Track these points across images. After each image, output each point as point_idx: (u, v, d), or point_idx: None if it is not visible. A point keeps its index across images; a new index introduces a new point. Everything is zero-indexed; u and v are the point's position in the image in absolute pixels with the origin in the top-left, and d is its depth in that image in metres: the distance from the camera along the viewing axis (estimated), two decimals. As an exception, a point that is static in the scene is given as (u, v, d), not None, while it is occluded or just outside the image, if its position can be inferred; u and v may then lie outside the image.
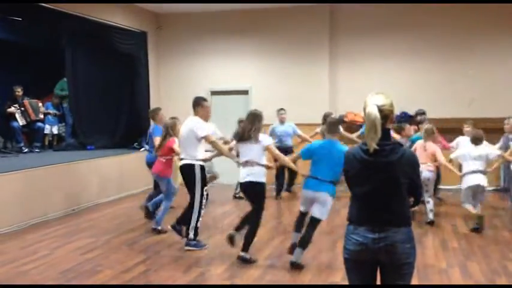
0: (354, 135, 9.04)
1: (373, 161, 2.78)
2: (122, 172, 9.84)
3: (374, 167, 2.78)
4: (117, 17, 9.89)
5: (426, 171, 6.98)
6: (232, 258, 5.61)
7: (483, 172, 6.80)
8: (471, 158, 6.82)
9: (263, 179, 5.55)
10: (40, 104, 10.31)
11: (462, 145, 8.03)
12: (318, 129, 9.35)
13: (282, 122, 9.36)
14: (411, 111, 9.32)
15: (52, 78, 10.94)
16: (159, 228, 6.80)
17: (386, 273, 2.84)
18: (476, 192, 6.83)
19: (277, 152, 5.80)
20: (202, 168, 5.97)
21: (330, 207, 5.23)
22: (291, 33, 10.67)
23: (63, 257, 5.75)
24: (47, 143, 10.74)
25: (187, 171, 5.96)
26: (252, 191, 5.59)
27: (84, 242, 6.39)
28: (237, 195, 9.01)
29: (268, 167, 5.63)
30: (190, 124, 5.98)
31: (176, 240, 6.40)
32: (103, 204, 8.86)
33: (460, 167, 7.32)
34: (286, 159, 5.80)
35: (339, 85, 10.61)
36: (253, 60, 10.96)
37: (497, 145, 7.89)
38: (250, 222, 5.60)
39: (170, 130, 6.66)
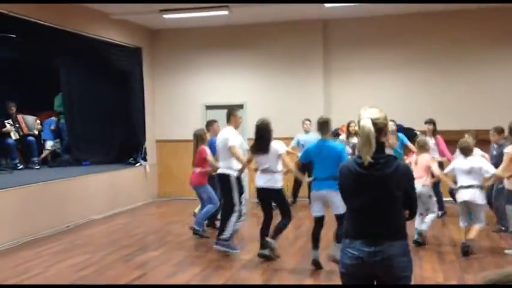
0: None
1: (367, 174, 2.77)
2: (117, 188, 9.79)
3: (369, 180, 2.78)
4: (111, 33, 9.92)
5: (420, 185, 6.31)
6: (229, 272, 5.57)
7: (478, 187, 6.17)
8: (463, 172, 6.23)
9: (280, 185, 5.97)
10: (38, 121, 10.28)
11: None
12: (341, 137, 9.48)
13: (306, 131, 9.56)
14: (406, 124, 9.38)
15: (47, 94, 10.92)
16: (200, 230, 7.04)
17: (383, 285, 2.82)
18: (469, 208, 6.29)
19: (287, 160, 6.12)
20: (237, 178, 6.29)
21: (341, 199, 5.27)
22: (285, 47, 10.73)
23: (58, 275, 5.69)
24: (49, 158, 10.73)
25: (223, 180, 6.33)
26: (272, 197, 6.00)
27: (79, 259, 6.32)
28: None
29: (285, 173, 6.10)
30: (224, 134, 6.39)
31: (172, 256, 6.36)
32: (98, 221, 8.80)
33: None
34: (292, 167, 6.13)
35: (333, 99, 10.65)
36: (247, 74, 11.00)
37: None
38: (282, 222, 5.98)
39: (200, 139, 7.09)
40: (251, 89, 10.92)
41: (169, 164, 11.30)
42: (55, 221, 7.97)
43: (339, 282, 2.93)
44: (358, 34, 10.44)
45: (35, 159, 9.81)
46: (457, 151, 7.52)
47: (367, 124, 2.75)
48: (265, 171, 5.92)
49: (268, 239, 5.90)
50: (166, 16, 9.62)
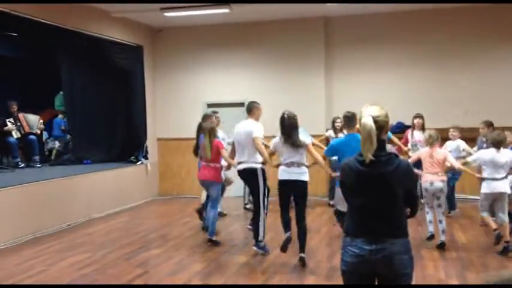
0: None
1: (369, 172, 2.77)
2: (119, 186, 9.80)
3: (370, 178, 2.78)
4: (113, 31, 9.92)
5: (438, 181, 6.40)
6: (230, 270, 5.57)
7: (506, 178, 6.18)
8: (496, 164, 6.11)
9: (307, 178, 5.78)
10: (41, 121, 10.29)
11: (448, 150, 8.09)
12: (327, 133, 9.40)
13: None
14: (407, 121, 9.36)
15: (48, 93, 10.93)
16: (214, 239, 6.76)
17: (384, 285, 2.82)
18: (497, 200, 6.21)
19: (314, 151, 5.91)
20: (263, 170, 6.10)
21: None
22: (286, 45, 10.71)
23: (59, 273, 5.69)
24: (53, 157, 10.76)
25: (249, 175, 6.09)
26: (299, 189, 5.75)
27: (80, 257, 6.33)
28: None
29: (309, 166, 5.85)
30: (247, 127, 6.12)
31: (173, 255, 6.36)
32: (99, 219, 8.80)
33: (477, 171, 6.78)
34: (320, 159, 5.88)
35: (334, 96, 10.63)
36: (249, 72, 10.99)
37: (475, 148, 7.97)
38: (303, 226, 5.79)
39: (212, 133, 6.67)
40: (252, 86, 10.90)
41: (171, 162, 11.31)
42: (56, 219, 7.97)
43: (339, 280, 2.94)
44: (359, 32, 10.42)
45: (36, 157, 9.82)
46: (445, 144, 7.64)
47: (369, 122, 2.74)
48: (291, 164, 5.70)
49: (301, 254, 5.75)
50: (167, 14, 9.62)
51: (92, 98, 10.60)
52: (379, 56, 10.37)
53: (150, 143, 11.10)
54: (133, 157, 10.71)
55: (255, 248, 6.18)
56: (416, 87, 10.22)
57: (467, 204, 8.89)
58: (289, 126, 5.74)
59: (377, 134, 2.74)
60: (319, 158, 5.86)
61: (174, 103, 11.30)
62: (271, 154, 6.01)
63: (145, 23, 10.98)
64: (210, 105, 11.07)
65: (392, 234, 2.76)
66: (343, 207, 5.22)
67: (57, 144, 10.90)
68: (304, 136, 5.89)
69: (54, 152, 10.71)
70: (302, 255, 5.75)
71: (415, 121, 8.76)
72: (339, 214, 5.96)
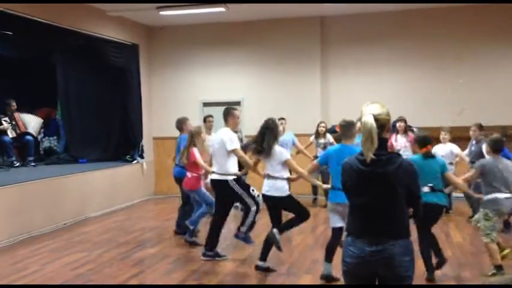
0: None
1: (370, 171, 2.73)
2: (114, 185, 9.78)
3: (371, 177, 2.73)
4: (108, 30, 9.89)
5: None
6: (226, 269, 5.57)
7: None
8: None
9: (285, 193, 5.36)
10: (40, 123, 10.27)
11: (437, 154, 8.10)
12: (311, 138, 9.39)
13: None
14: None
15: (44, 91, 10.88)
16: (191, 240, 6.59)
17: (384, 285, 2.79)
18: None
19: (294, 165, 5.48)
20: (236, 180, 5.76)
21: None
22: (283, 44, 10.72)
23: (55, 273, 5.68)
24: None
25: (220, 187, 5.81)
26: (279, 205, 5.40)
27: (75, 256, 6.31)
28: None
29: (290, 180, 5.44)
30: (221, 135, 5.83)
31: (169, 254, 6.36)
32: (94, 218, 8.78)
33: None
34: (305, 174, 5.42)
35: (330, 95, 10.65)
36: (245, 71, 10.99)
37: (466, 151, 7.99)
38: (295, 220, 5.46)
39: (195, 138, 6.43)
40: (248, 85, 10.91)
41: (166, 161, 11.26)
42: (52, 218, 7.95)
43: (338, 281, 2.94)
44: (355, 31, 10.43)
45: (31, 158, 9.78)
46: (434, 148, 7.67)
47: (369, 120, 2.70)
48: (268, 176, 5.39)
49: (274, 229, 5.39)
50: (163, 13, 9.60)
51: (88, 97, 10.58)
52: (375, 56, 10.39)
53: (146, 142, 11.08)
54: (128, 156, 10.69)
55: (235, 238, 5.94)
56: (413, 86, 10.25)
57: (461, 203, 8.91)
58: (259, 133, 5.42)
59: (378, 132, 2.70)
60: (300, 170, 5.41)
61: (170, 102, 11.28)
62: (256, 163, 5.72)
63: (141, 22, 10.95)
64: (205, 104, 11.08)
65: (393, 234, 2.72)
66: (334, 223, 5.06)
67: (52, 143, 10.86)
68: (282, 149, 5.47)
69: (49, 151, 10.68)
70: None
71: (398, 125, 8.51)
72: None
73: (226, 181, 5.75)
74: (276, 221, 5.50)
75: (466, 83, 9.96)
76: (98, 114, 10.67)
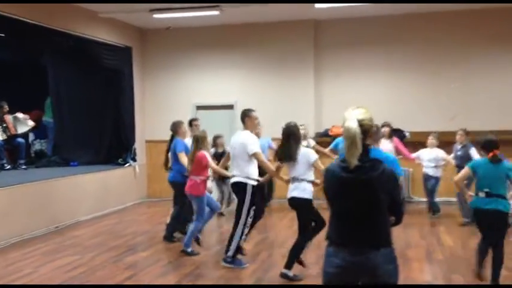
0: (326, 150, 8.88)
1: (353, 178, 2.67)
2: (106, 188, 9.74)
3: (354, 184, 2.68)
4: (101, 32, 9.87)
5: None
6: (219, 272, 5.58)
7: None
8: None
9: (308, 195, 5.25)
10: (27, 117, 10.14)
11: (423, 158, 8.35)
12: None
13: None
14: (395, 125, 9.43)
15: (36, 93, 10.83)
16: (189, 250, 6.37)
17: (370, 285, 2.75)
18: None
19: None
20: (253, 187, 5.68)
21: None
22: (276, 47, 10.75)
23: (47, 275, 5.65)
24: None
25: (239, 189, 5.71)
26: (302, 208, 5.29)
27: (68, 259, 6.29)
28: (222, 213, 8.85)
29: (314, 184, 5.30)
30: (241, 138, 5.73)
31: (161, 257, 6.35)
32: (87, 221, 8.75)
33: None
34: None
35: (324, 99, 10.69)
36: (238, 75, 11.01)
37: (451, 155, 8.13)
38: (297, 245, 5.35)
39: (200, 143, 6.18)
40: (242, 89, 10.92)
41: (159, 164, 11.21)
42: (44, 221, 7.91)
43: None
44: (349, 35, 10.49)
45: (22, 161, 9.71)
46: (419, 151, 8.37)
47: (353, 125, 2.64)
48: (293, 180, 5.27)
49: (284, 270, 5.30)
50: (156, 16, 9.59)
51: (80, 99, 10.53)
52: (368, 60, 10.45)
53: (139, 145, 11.06)
54: (121, 159, 10.65)
55: (222, 263, 5.81)
56: (405, 90, 10.31)
57: (451, 207, 8.97)
58: (283, 138, 5.39)
59: (362, 138, 2.65)
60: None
61: (163, 105, 11.27)
62: (278, 168, 5.56)
63: (134, 24, 10.95)
64: (199, 107, 11.08)
65: (375, 243, 2.67)
66: None
67: (44, 146, 10.81)
68: (309, 151, 5.45)
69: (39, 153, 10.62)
70: (284, 270, 5.37)
71: (383, 130, 8.30)
72: None
73: (245, 184, 5.66)
74: (302, 228, 5.34)
75: (459, 88, 10.05)
76: (90, 117, 10.61)
